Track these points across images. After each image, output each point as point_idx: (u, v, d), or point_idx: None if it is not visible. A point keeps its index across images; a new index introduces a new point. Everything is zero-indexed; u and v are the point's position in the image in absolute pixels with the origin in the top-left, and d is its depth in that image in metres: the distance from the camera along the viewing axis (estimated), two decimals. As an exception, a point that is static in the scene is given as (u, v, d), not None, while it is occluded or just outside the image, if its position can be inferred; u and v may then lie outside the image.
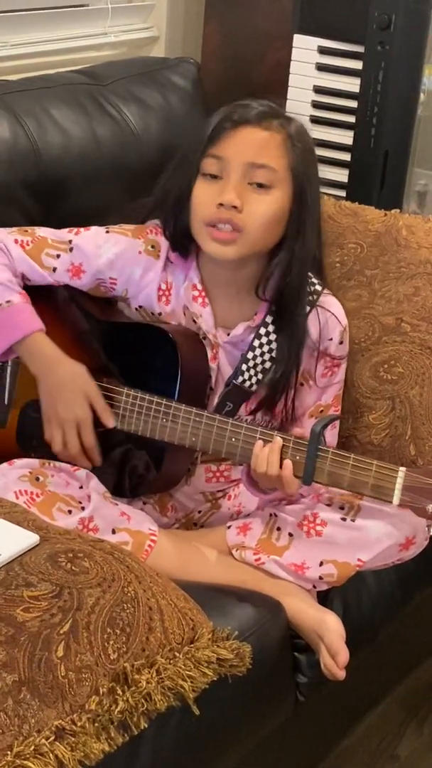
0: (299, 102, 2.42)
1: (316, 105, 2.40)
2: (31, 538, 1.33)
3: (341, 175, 2.40)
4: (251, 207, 1.50)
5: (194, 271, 1.61)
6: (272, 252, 1.57)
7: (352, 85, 2.33)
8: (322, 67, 2.38)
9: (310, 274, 1.62)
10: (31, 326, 1.57)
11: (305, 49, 2.38)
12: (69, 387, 1.56)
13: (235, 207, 1.49)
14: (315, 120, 2.41)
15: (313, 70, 2.39)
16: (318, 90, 2.39)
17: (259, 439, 1.49)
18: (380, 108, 2.27)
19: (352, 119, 2.35)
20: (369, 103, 2.28)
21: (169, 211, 1.58)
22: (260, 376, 1.60)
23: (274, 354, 1.60)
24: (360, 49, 2.29)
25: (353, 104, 2.33)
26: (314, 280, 1.63)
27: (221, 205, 1.49)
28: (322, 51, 2.36)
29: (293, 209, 1.53)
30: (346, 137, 2.37)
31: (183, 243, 1.58)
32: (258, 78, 2.51)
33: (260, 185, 1.50)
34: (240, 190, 1.50)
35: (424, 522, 1.52)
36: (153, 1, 2.61)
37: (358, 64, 2.30)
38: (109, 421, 1.57)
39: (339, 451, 1.47)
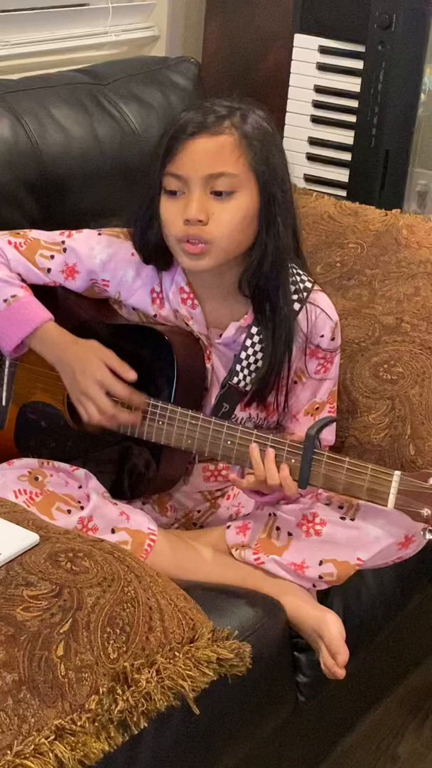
0: (300, 101, 2.42)
1: (316, 104, 2.41)
2: (31, 538, 1.33)
3: (342, 175, 2.40)
4: (216, 217, 1.48)
5: (180, 275, 1.61)
6: (251, 248, 1.57)
7: (353, 84, 2.33)
8: (322, 67, 2.38)
9: (299, 271, 1.62)
10: (40, 317, 1.58)
11: (306, 48, 2.38)
12: (83, 358, 1.55)
13: (200, 221, 1.48)
14: (316, 119, 2.42)
15: (313, 70, 2.39)
16: (319, 89, 2.40)
17: (254, 442, 1.49)
18: (381, 108, 2.27)
19: (352, 119, 2.35)
20: (370, 103, 2.28)
21: (138, 231, 1.58)
22: (253, 375, 1.60)
23: (263, 350, 1.60)
24: (361, 48, 2.29)
25: (354, 104, 2.33)
26: (303, 277, 1.62)
27: (188, 221, 1.49)
28: (323, 50, 2.36)
29: (261, 206, 1.52)
30: (347, 137, 2.37)
31: (159, 256, 1.58)
32: (259, 77, 2.51)
33: (222, 193, 1.49)
34: (203, 202, 1.48)
35: (420, 525, 1.52)
36: (154, 0, 2.61)
37: (358, 64, 2.31)
38: (129, 374, 1.54)
39: (334, 454, 1.46)
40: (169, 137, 1.51)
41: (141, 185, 1.56)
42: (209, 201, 1.49)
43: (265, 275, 1.54)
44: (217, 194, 1.49)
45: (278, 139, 1.57)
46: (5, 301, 1.58)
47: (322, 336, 1.62)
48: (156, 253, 1.57)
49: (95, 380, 1.54)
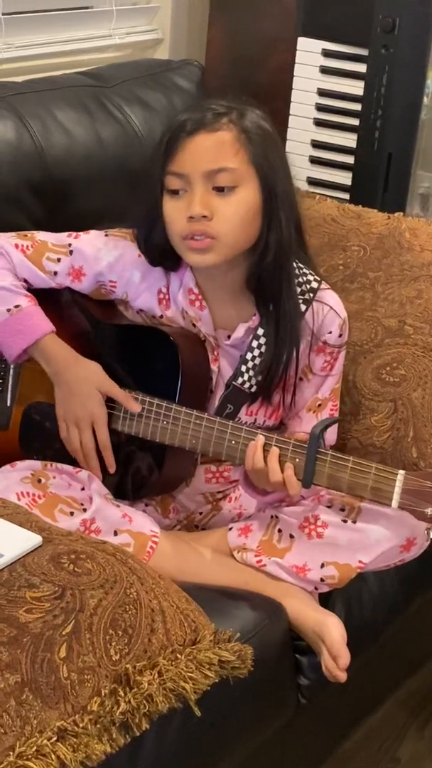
0: (303, 105, 2.42)
1: (319, 108, 2.41)
2: (33, 540, 1.33)
3: (345, 178, 2.40)
4: (220, 212, 1.49)
5: (188, 276, 1.61)
6: (255, 244, 1.57)
7: (356, 88, 2.33)
8: (326, 70, 2.38)
9: (305, 269, 1.62)
10: (42, 329, 1.58)
11: (309, 51, 2.38)
12: (84, 384, 1.57)
13: (204, 216, 1.49)
14: (319, 123, 2.42)
15: (317, 73, 2.39)
16: (322, 93, 2.40)
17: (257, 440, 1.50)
18: (384, 111, 2.27)
19: (355, 122, 2.35)
20: (373, 106, 2.28)
21: (143, 231, 1.59)
22: (259, 377, 1.60)
23: (267, 350, 1.60)
24: (364, 52, 2.29)
25: (357, 107, 2.33)
26: (310, 277, 1.63)
27: (191, 217, 1.49)
28: (326, 54, 2.37)
29: (263, 200, 1.52)
30: (350, 140, 2.37)
31: (166, 257, 1.58)
32: (262, 80, 2.51)
33: (224, 188, 1.50)
34: (206, 198, 1.49)
35: (424, 525, 1.52)
36: (157, 3, 2.61)
37: (362, 67, 2.31)
38: (134, 406, 1.57)
39: (338, 453, 1.47)
40: (168, 137, 1.51)
41: (143, 188, 1.57)
42: (212, 197, 1.49)
43: (268, 269, 1.55)
44: (219, 190, 1.49)
45: (276, 136, 1.58)
46: (8, 310, 1.58)
47: (330, 333, 1.63)
48: (162, 254, 1.58)
49: (90, 414, 1.57)
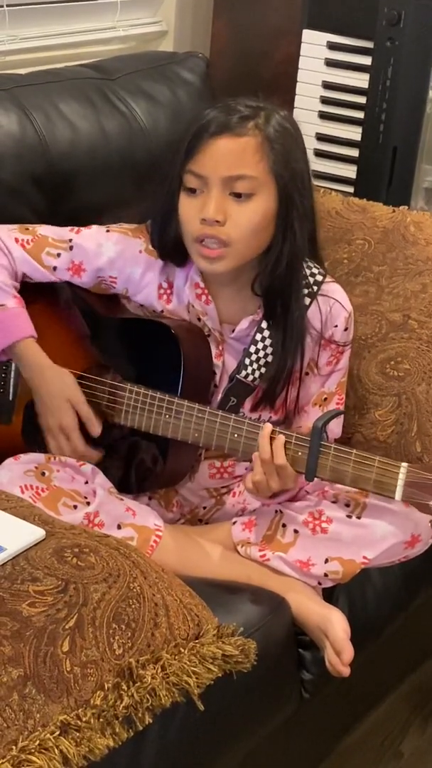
0: (308, 97, 2.41)
1: (324, 101, 2.40)
2: (37, 533, 1.33)
3: (349, 172, 2.40)
4: (234, 218, 1.48)
5: (195, 271, 1.61)
6: (267, 251, 1.56)
7: (361, 81, 2.32)
8: (331, 63, 2.37)
9: (311, 263, 1.61)
10: (22, 332, 1.59)
11: (314, 44, 2.37)
12: (55, 395, 1.59)
13: (217, 221, 1.48)
14: (323, 116, 2.41)
15: (322, 66, 2.38)
16: (327, 86, 2.39)
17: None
18: (389, 104, 2.27)
19: (360, 115, 2.34)
20: (378, 99, 2.28)
21: (157, 226, 1.58)
22: (263, 370, 1.60)
23: (273, 348, 1.60)
24: (369, 44, 2.28)
25: (362, 100, 2.33)
26: (314, 270, 1.62)
27: (204, 220, 1.49)
28: (331, 46, 2.36)
29: (279, 209, 1.51)
30: (355, 133, 2.37)
31: (177, 253, 1.58)
32: (267, 73, 2.51)
33: (242, 195, 1.49)
34: (221, 203, 1.48)
35: (428, 518, 1.52)
36: (162, -5, 2.61)
37: (367, 60, 2.30)
38: (94, 429, 1.59)
39: (341, 446, 1.47)
40: (192, 134, 1.50)
41: (160, 179, 1.56)
42: (228, 202, 1.49)
43: (279, 277, 1.55)
44: (236, 196, 1.49)
45: (301, 140, 1.57)
46: None
47: (336, 326, 1.62)
48: (174, 249, 1.57)
49: (59, 425, 1.59)
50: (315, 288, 1.61)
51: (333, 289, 1.64)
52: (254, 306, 1.61)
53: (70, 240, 1.63)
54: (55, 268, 1.63)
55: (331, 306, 1.62)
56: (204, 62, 2.24)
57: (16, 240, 1.62)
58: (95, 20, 2.45)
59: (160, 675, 1.20)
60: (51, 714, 1.12)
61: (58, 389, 1.58)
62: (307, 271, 1.61)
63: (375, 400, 1.74)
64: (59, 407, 1.58)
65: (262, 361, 1.60)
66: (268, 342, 1.59)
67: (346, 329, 1.64)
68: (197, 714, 1.24)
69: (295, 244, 1.53)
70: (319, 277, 1.62)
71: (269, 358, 1.59)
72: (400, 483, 1.43)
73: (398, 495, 1.44)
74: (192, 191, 1.51)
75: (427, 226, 1.93)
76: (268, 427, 1.49)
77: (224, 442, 1.53)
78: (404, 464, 1.44)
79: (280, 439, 1.48)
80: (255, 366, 1.60)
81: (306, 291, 1.60)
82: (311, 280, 1.61)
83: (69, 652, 1.17)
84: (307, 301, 1.60)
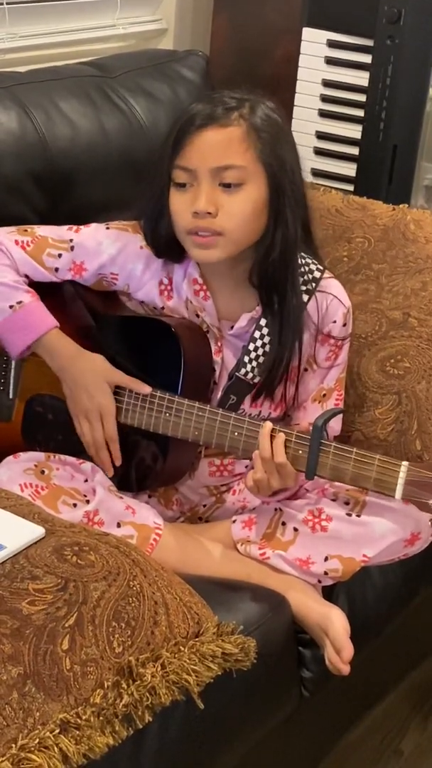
0: (308, 95, 2.41)
1: (324, 99, 2.40)
2: (36, 531, 1.33)
3: (349, 169, 2.40)
4: (226, 208, 1.49)
5: (193, 266, 1.61)
6: (261, 240, 1.56)
7: (361, 79, 2.32)
8: (331, 61, 2.37)
9: (309, 260, 1.61)
10: (47, 325, 1.58)
11: (314, 42, 2.37)
12: (90, 377, 1.57)
13: (209, 213, 1.48)
14: (323, 114, 2.41)
15: (322, 64, 2.38)
16: (327, 84, 2.39)
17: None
18: (389, 102, 2.27)
19: (360, 113, 2.34)
20: (378, 97, 2.28)
21: (149, 222, 1.58)
22: (262, 368, 1.60)
23: (271, 342, 1.59)
24: (369, 42, 2.28)
25: (362, 98, 2.33)
26: (312, 267, 1.62)
27: (196, 213, 1.49)
28: (332, 44, 2.36)
29: (270, 198, 1.52)
30: (355, 131, 2.37)
31: (171, 249, 1.58)
32: (267, 71, 2.51)
33: (231, 185, 1.49)
34: (211, 194, 1.49)
35: (428, 516, 1.51)
36: (162, -7, 2.61)
37: (367, 58, 2.30)
38: (143, 388, 1.56)
39: (342, 445, 1.47)
40: (177, 129, 1.50)
41: (150, 178, 1.56)
42: (218, 193, 1.49)
43: (274, 266, 1.54)
44: (226, 186, 1.49)
45: (288, 130, 1.57)
46: (11, 307, 1.57)
47: (334, 322, 1.62)
48: (168, 246, 1.57)
49: (98, 406, 1.56)
50: (313, 284, 1.61)
51: (331, 284, 1.64)
52: (253, 302, 1.61)
53: (71, 240, 1.63)
54: (56, 270, 1.63)
55: (329, 302, 1.62)
56: (204, 60, 2.24)
57: (16, 242, 1.62)
58: (95, 18, 2.45)
59: (159, 673, 1.20)
60: (51, 712, 1.12)
61: (94, 370, 1.57)
62: (305, 267, 1.61)
63: (375, 398, 1.73)
64: (97, 387, 1.56)
65: (261, 359, 1.60)
66: (266, 338, 1.59)
67: (344, 325, 1.64)
68: (197, 712, 1.24)
69: (287, 231, 1.53)
70: (317, 273, 1.62)
71: (267, 348, 1.59)
72: (401, 481, 1.43)
73: (398, 494, 1.44)
74: (181, 186, 1.51)
75: (427, 224, 1.93)
76: (269, 425, 1.49)
77: (224, 441, 1.53)
78: (405, 463, 1.44)
79: (281, 437, 1.48)
80: (254, 363, 1.60)
81: (304, 288, 1.60)
82: (309, 276, 1.61)
83: (69, 651, 1.17)
84: (306, 297, 1.60)
